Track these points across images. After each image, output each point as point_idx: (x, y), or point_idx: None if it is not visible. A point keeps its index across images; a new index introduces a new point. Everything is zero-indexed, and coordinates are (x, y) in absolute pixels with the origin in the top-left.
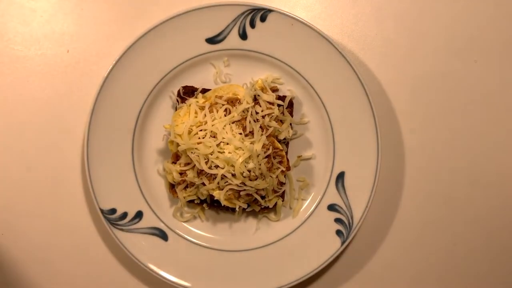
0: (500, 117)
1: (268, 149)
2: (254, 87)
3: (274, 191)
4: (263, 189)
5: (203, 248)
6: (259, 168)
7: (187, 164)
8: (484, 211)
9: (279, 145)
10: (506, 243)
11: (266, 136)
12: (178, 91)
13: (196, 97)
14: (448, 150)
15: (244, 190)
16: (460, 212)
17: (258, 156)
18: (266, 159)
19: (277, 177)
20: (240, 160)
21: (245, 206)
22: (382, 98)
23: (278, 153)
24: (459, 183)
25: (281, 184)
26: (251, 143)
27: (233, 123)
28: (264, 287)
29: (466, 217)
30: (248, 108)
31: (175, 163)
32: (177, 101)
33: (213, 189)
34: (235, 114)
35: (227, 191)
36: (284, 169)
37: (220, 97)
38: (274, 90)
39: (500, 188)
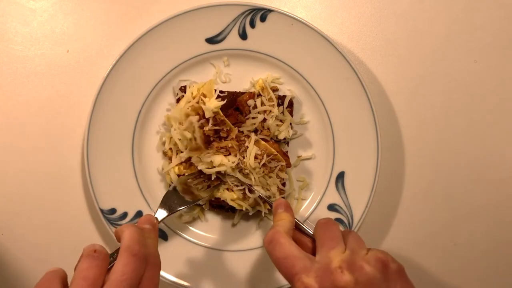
0: (500, 117)
1: (263, 158)
2: (254, 87)
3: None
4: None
5: (203, 248)
6: (258, 179)
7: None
8: (485, 211)
9: (273, 151)
10: (507, 243)
11: (258, 142)
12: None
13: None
14: (448, 150)
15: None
16: (461, 212)
17: (254, 169)
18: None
19: (277, 176)
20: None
21: (250, 209)
22: (382, 98)
23: (273, 158)
24: (459, 183)
25: (283, 185)
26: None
27: None
28: (264, 287)
29: (466, 217)
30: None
31: None
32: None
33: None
34: None
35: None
36: (282, 178)
37: None
38: (274, 90)
39: (501, 188)
